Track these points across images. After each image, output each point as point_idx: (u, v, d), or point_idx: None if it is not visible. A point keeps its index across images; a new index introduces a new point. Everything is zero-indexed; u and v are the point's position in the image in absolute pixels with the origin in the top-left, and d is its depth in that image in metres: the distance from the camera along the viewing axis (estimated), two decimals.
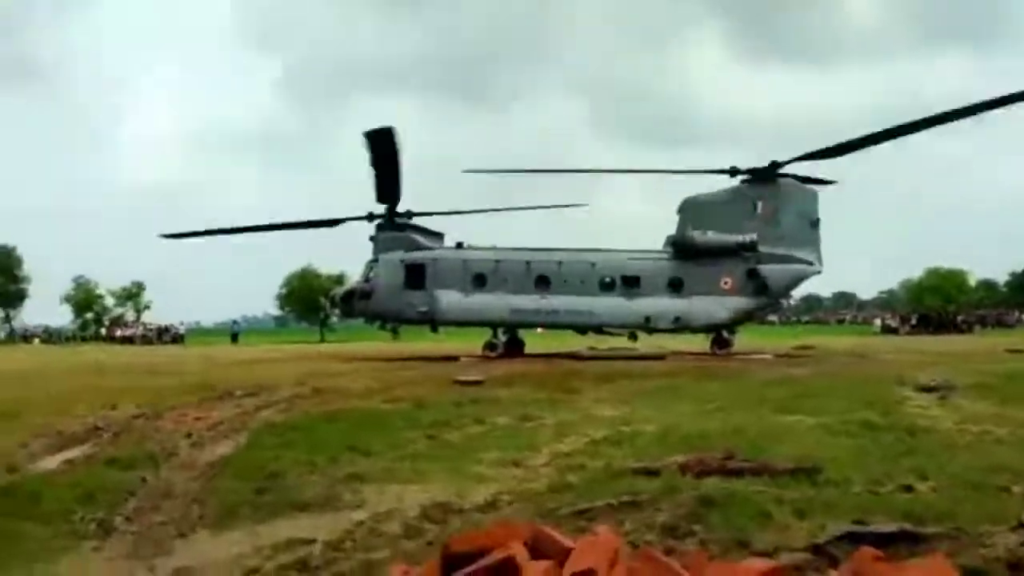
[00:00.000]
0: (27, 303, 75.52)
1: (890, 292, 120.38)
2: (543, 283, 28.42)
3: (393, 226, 29.70)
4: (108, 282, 76.01)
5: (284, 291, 71.43)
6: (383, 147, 27.32)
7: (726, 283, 27.57)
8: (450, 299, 28.55)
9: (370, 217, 30.01)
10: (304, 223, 32.71)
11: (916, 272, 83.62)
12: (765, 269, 27.44)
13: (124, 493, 7.72)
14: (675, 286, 27.97)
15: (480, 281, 28.64)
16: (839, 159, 27.74)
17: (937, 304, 71.19)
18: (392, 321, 32.13)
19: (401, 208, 30.01)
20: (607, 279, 28.37)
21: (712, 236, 27.54)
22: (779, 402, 13.28)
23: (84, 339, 68.18)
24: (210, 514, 6.92)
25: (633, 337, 28.87)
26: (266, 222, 33.47)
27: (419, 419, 11.87)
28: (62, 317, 77.18)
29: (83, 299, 73.75)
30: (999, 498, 6.41)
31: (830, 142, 27.01)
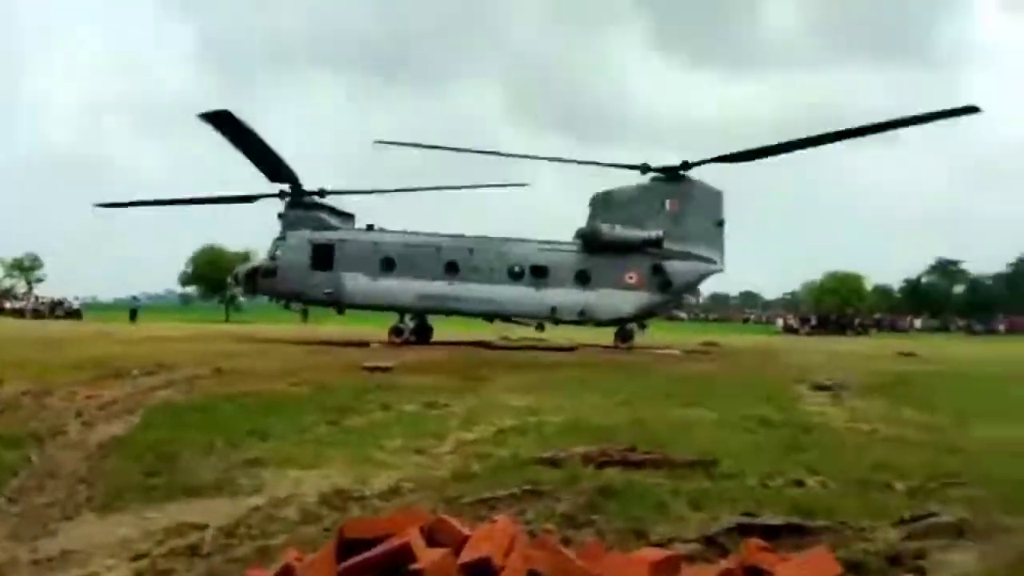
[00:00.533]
0: None
1: (793, 293, 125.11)
2: (452, 270, 28.38)
3: (302, 204, 29.15)
4: (2, 252, 72.29)
5: (189, 269, 69.25)
6: (231, 129, 26.73)
7: (631, 278, 28.13)
8: (357, 282, 28.26)
9: (282, 195, 29.36)
10: (218, 199, 31.81)
11: (818, 275, 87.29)
12: (670, 266, 28.16)
13: (7, 473, 7.34)
14: (582, 279, 28.33)
15: (388, 265, 28.38)
16: (752, 163, 28.69)
17: (835, 307, 74.32)
18: (297, 301, 31.53)
19: (314, 186, 29.52)
20: (516, 268, 28.49)
21: (620, 231, 28.08)
22: (683, 397, 13.57)
23: None
24: (98, 496, 6.65)
25: (540, 327, 29.15)
26: (176, 196, 32.47)
27: (324, 404, 11.67)
28: None
29: None
30: (883, 494, 6.70)
31: (746, 145, 27.95)
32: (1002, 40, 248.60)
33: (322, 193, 29.67)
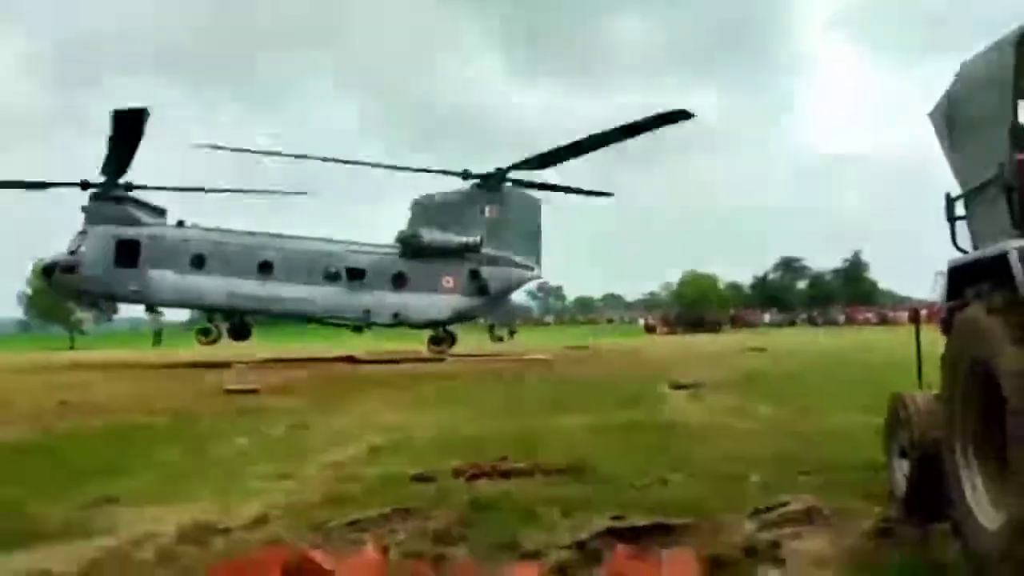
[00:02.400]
0: None
1: (652, 294, 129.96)
2: (266, 269, 27.99)
3: (109, 197, 27.86)
4: None
5: (28, 291, 64.46)
6: (130, 126, 25.42)
7: (448, 282, 28.70)
8: (164, 280, 27.42)
9: (84, 185, 27.95)
10: (8, 182, 28.99)
11: (673, 276, 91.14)
12: (486, 271, 28.87)
13: None
14: (399, 282, 28.64)
15: (198, 262, 27.64)
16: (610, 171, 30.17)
17: (691, 305, 77.74)
18: (100, 299, 30.12)
19: (122, 180, 28.32)
20: (332, 270, 28.51)
21: (438, 235, 28.64)
22: (553, 403, 13.82)
23: None
24: None
25: (358, 330, 29.36)
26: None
27: (182, 433, 11.17)
28: None
29: None
30: (738, 486, 7.04)
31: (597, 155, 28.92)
32: (824, 55, 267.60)
33: (129, 187, 28.39)
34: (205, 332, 28.39)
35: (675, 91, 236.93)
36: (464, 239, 28.32)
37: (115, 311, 70.29)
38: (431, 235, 28.33)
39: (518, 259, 29.11)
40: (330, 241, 29.12)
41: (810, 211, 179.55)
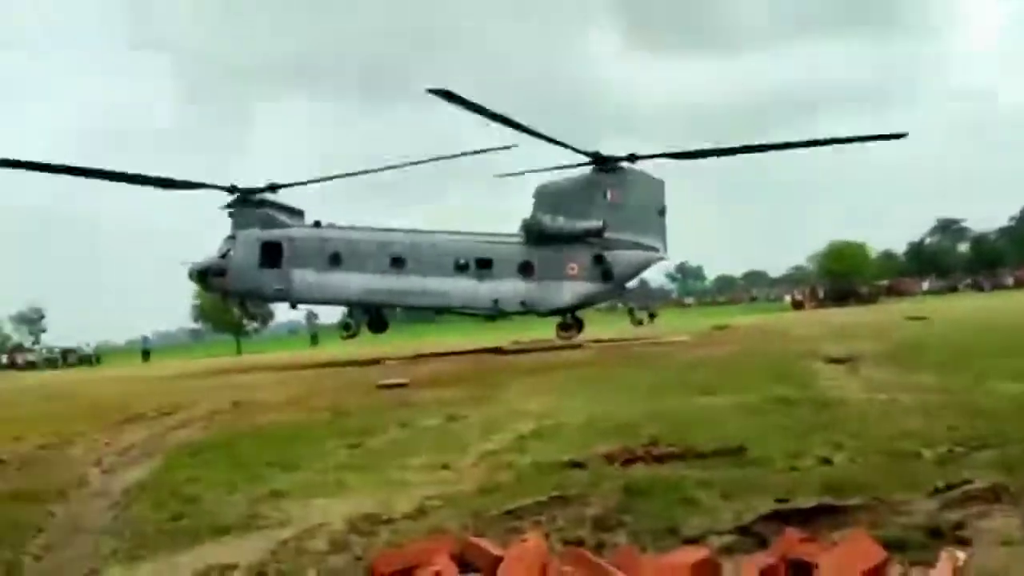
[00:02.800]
0: None
1: (798, 268, 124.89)
2: (398, 263, 28.71)
3: (251, 201, 29.34)
4: (6, 307, 72.68)
5: (198, 302, 69.29)
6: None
7: (572, 268, 28.43)
8: (305, 277, 28.67)
9: (231, 189, 29.50)
10: (154, 179, 29.66)
11: (821, 246, 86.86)
12: (610, 255, 28.41)
13: (32, 529, 7.28)
14: (525, 270, 28.66)
15: (335, 260, 28.72)
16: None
17: (841, 277, 74.04)
18: (248, 298, 31.86)
19: (264, 182, 29.86)
20: (461, 261, 28.89)
21: (561, 222, 28.44)
22: (699, 384, 13.51)
23: None
24: (124, 546, 6.59)
25: (490, 318, 29.83)
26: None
27: (342, 427, 11.63)
28: None
29: None
30: (912, 464, 6.64)
31: (705, 130, 28.71)
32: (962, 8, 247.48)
33: (274, 187, 29.74)
34: (345, 327, 29.89)
35: (806, 55, 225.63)
36: (587, 224, 28.16)
37: (271, 316, 74.74)
38: (554, 222, 28.35)
39: (643, 242, 28.69)
40: (458, 233, 29.64)
41: (967, 170, 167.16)
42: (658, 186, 29.14)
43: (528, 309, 29.13)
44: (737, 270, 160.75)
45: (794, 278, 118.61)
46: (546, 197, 28.91)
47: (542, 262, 28.44)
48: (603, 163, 28.53)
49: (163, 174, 29.11)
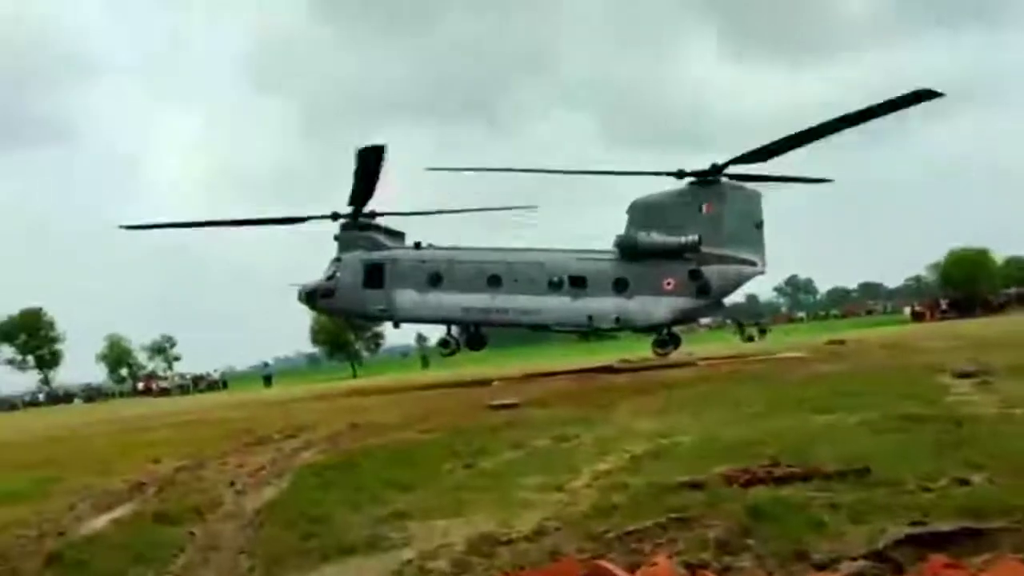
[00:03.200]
0: (64, 362, 76.66)
1: (917, 278, 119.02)
2: (494, 282, 28.97)
3: (355, 226, 30.39)
4: (139, 336, 77.20)
5: (316, 327, 71.74)
6: (372, 162, 27.52)
7: (669, 283, 28.02)
8: (406, 297, 29.41)
9: (334, 216, 30.59)
10: (269, 220, 32.58)
11: (940, 255, 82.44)
12: (707, 270, 27.79)
13: (173, 549, 7.73)
14: (620, 286, 28.34)
15: (435, 280, 29.35)
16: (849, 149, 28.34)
17: (964, 286, 70.04)
18: (353, 318, 33.03)
19: (366, 209, 30.71)
20: (555, 279, 28.86)
21: (656, 237, 28.08)
22: (818, 401, 13.09)
23: (122, 394, 68.93)
24: (259, 565, 6.92)
25: (584, 336, 29.74)
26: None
27: (456, 448, 11.81)
28: (99, 375, 78.34)
29: (116, 356, 74.79)
30: None
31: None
32: None
33: (373, 215, 30.73)
34: (444, 343, 30.60)
35: (909, 53, 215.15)
36: (682, 239, 27.79)
37: (382, 340, 76.75)
38: (649, 237, 28.10)
39: (741, 255, 28.07)
40: (552, 251, 29.80)
41: None
42: (755, 199, 28.54)
43: (623, 325, 29.06)
44: (851, 282, 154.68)
45: (913, 289, 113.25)
46: (640, 212, 28.70)
47: (637, 278, 28.23)
48: (685, 177, 28.17)
49: (290, 209, 31.23)
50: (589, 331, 29.72)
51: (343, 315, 32.50)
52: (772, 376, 19.11)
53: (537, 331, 31.36)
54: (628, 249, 28.47)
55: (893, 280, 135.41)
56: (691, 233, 27.79)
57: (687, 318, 29.85)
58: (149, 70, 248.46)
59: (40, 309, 74.81)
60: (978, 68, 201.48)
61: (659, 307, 28.09)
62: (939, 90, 24.73)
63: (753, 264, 28.37)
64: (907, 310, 70.21)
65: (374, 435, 14.53)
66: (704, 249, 27.73)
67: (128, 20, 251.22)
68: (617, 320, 28.55)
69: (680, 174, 28.46)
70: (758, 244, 28.39)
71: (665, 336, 29.23)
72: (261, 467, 11.96)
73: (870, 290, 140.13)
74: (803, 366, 21.79)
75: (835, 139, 27.59)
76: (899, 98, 25.18)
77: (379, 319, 31.61)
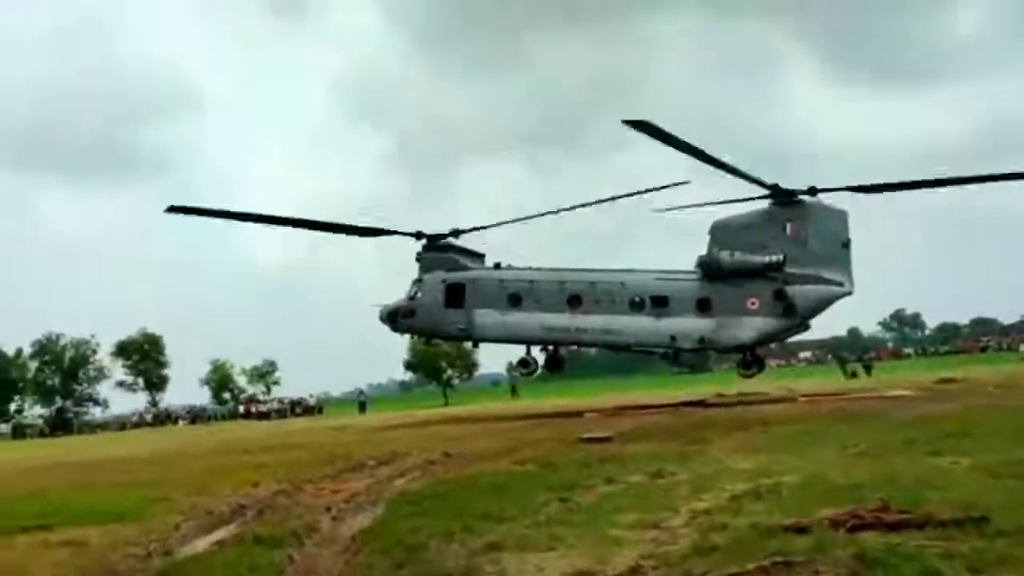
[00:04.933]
0: (170, 385, 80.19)
1: None
2: (575, 302, 28.76)
3: (436, 247, 30.65)
4: (241, 360, 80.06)
5: (409, 356, 72.86)
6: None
7: (753, 303, 27.33)
8: (486, 317, 29.52)
9: (418, 235, 30.83)
10: (348, 227, 31.82)
11: None
12: (792, 290, 26.95)
13: (274, 571, 7.90)
14: (703, 306, 27.84)
15: (515, 300, 29.33)
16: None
17: None
18: (433, 337, 32.92)
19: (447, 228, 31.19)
20: (636, 299, 28.56)
21: (739, 256, 27.48)
22: (929, 443, 12.51)
23: (223, 417, 71.51)
24: None
25: (665, 357, 29.01)
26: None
27: (549, 481, 11.74)
28: (202, 397, 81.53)
29: (220, 380, 77.78)
30: None
31: (931, 166, 26.92)
32: None
33: (456, 233, 30.79)
34: (523, 363, 30.43)
35: (1019, 81, 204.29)
36: (766, 258, 27.18)
37: (476, 367, 77.35)
38: (731, 257, 27.59)
39: (826, 275, 27.18)
40: (633, 271, 29.51)
41: None
42: (841, 218, 27.72)
43: (707, 345, 28.57)
44: (962, 317, 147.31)
45: None
46: (722, 232, 28.23)
47: (720, 298, 27.73)
48: (782, 196, 27.47)
49: (378, 242, 31.58)
50: (672, 351, 29.03)
51: (424, 335, 32.79)
52: (878, 415, 18.36)
53: (619, 351, 30.86)
54: (711, 269, 28.06)
55: (1008, 316, 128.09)
56: (775, 253, 27.22)
57: (773, 339, 29.11)
58: (247, 101, 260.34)
59: (160, 336, 78.69)
60: None
61: (743, 327, 27.52)
62: None
63: (840, 284, 27.49)
64: (1023, 347, 66.27)
65: (467, 464, 14.60)
66: (789, 269, 27.06)
67: (233, 51, 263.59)
68: (701, 340, 28.10)
69: (776, 191, 27.71)
70: (845, 264, 27.58)
71: (749, 358, 28.57)
72: (356, 493, 12.15)
73: (983, 325, 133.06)
74: (912, 405, 20.86)
75: (943, 167, 26.84)
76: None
77: (459, 339, 31.84)
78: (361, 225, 31.67)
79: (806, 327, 28.49)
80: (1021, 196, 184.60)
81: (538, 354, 30.50)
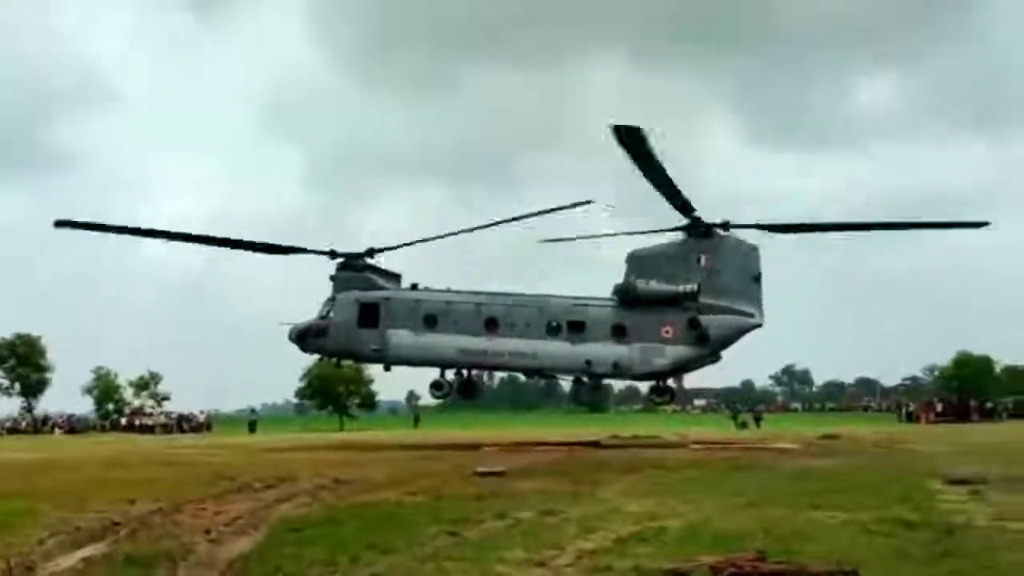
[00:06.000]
0: (49, 391, 75.59)
1: (914, 378, 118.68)
2: (492, 325, 28.80)
3: (351, 266, 30.20)
4: (128, 371, 76.32)
5: (304, 382, 71.05)
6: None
7: (667, 331, 27.98)
8: (401, 338, 29.03)
9: (332, 254, 30.39)
10: (260, 244, 30.85)
11: (937, 357, 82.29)
12: (706, 319, 27.81)
13: None
14: (619, 332, 28.29)
15: (431, 321, 29.07)
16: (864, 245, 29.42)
17: (961, 391, 69.78)
18: (345, 358, 32.18)
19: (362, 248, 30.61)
20: (553, 323, 28.76)
21: (655, 285, 28.11)
22: (809, 497, 12.96)
23: (104, 429, 68.10)
24: None
25: (578, 383, 29.15)
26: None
27: (440, 513, 11.63)
28: (83, 406, 77.31)
29: (104, 390, 73.88)
30: None
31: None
32: None
33: (371, 252, 30.56)
34: (438, 386, 29.87)
35: (934, 148, 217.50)
36: (681, 287, 27.92)
37: (376, 397, 76.20)
38: (648, 285, 28.19)
39: (738, 307, 28.15)
40: (550, 297, 29.75)
41: None
42: (753, 252, 28.73)
43: (622, 371, 28.76)
44: (848, 376, 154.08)
45: (909, 388, 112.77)
46: (638, 262, 28.84)
47: (636, 325, 28.19)
48: (700, 228, 28.30)
49: (284, 258, 30.60)
50: (586, 375, 29.08)
51: (335, 355, 31.76)
52: (765, 466, 18.93)
53: (531, 377, 30.74)
54: (627, 296, 28.49)
55: (889, 378, 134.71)
56: (689, 283, 27.93)
57: (686, 367, 29.64)
58: (163, 105, 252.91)
59: (38, 338, 74.22)
60: (986, 176, 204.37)
61: (658, 354, 27.98)
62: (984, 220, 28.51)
63: (751, 316, 28.38)
64: (902, 409, 69.59)
65: (358, 493, 14.33)
66: (702, 299, 27.78)
67: (148, 53, 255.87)
68: (616, 366, 28.32)
69: (692, 226, 28.35)
70: (756, 297, 28.47)
71: (663, 385, 29.06)
72: (238, 516, 11.75)
73: (866, 386, 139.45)
74: (796, 458, 21.60)
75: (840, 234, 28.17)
76: (945, 222, 27.27)
77: (372, 360, 30.94)
78: (273, 243, 30.76)
79: (718, 358, 29.12)
80: (908, 262, 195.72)
81: (452, 377, 30.16)
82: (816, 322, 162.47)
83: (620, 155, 23.08)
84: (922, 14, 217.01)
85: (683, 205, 26.83)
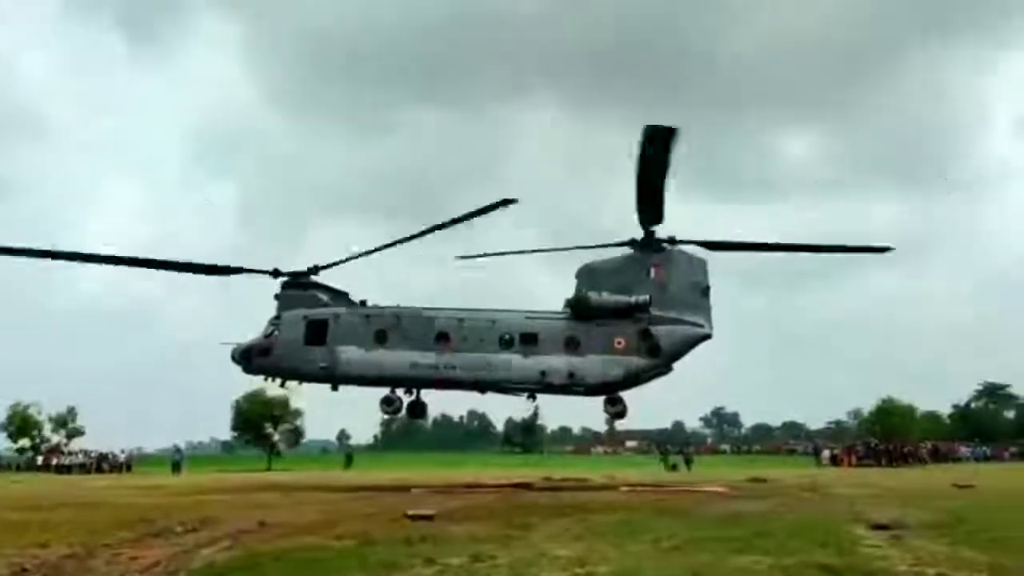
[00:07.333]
0: None
1: (837, 422, 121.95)
2: (444, 339, 28.60)
3: (297, 284, 29.73)
4: (49, 407, 73.12)
5: (233, 416, 69.21)
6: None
7: (620, 343, 28.21)
8: (351, 354, 28.56)
9: (275, 273, 29.87)
10: (200, 266, 29.77)
11: (861, 402, 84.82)
12: (657, 330, 28.25)
13: None
14: (571, 345, 28.48)
15: (381, 337, 28.70)
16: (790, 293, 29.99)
17: (883, 436, 71.85)
18: (292, 378, 31.42)
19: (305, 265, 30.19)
20: (506, 336, 28.71)
21: (606, 297, 28.46)
22: (736, 541, 13.10)
23: (19, 468, 65.04)
24: None
25: (532, 398, 29.19)
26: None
27: (367, 559, 11.43)
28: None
29: (20, 425, 70.53)
30: None
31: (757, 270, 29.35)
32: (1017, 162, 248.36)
33: (315, 270, 30.11)
34: (388, 401, 29.24)
35: (851, 202, 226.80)
36: (632, 299, 28.23)
37: (302, 435, 74.59)
38: (600, 297, 28.44)
39: (688, 319, 28.58)
40: (501, 310, 29.65)
41: (1015, 333, 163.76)
42: (700, 265, 29.25)
43: (576, 382, 28.48)
44: (775, 419, 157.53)
45: (832, 432, 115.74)
46: (590, 275, 29.12)
47: (588, 336, 28.30)
48: (646, 240, 28.78)
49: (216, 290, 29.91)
50: (540, 389, 28.88)
51: (281, 375, 30.74)
52: (693, 510, 19.09)
53: (485, 392, 30.26)
54: (579, 308, 28.60)
55: (814, 422, 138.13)
56: (640, 295, 28.29)
57: (639, 378, 29.78)
58: (98, 136, 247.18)
59: None
60: (907, 227, 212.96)
61: (611, 366, 28.06)
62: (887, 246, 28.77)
63: (701, 326, 28.77)
64: (826, 453, 71.15)
65: (282, 536, 13.96)
66: (653, 311, 28.13)
67: (84, 81, 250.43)
68: (570, 376, 28.16)
69: (633, 243, 28.96)
70: (705, 309, 28.91)
71: (616, 397, 29.04)
72: (157, 561, 11.34)
73: (792, 429, 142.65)
74: (724, 502, 21.87)
75: (769, 279, 29.00)
76: (854, 246, 27.67)
77: (320, 379, 30.06)
78: (214, 264, 29.77)
79: (670, 369, 29.29)
80: (837, 310, 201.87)
81: (402, 394, 29.62)
82: (745, 366, 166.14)
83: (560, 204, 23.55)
84: (844, 77, 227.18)
85: (655, 217, 27.53)
